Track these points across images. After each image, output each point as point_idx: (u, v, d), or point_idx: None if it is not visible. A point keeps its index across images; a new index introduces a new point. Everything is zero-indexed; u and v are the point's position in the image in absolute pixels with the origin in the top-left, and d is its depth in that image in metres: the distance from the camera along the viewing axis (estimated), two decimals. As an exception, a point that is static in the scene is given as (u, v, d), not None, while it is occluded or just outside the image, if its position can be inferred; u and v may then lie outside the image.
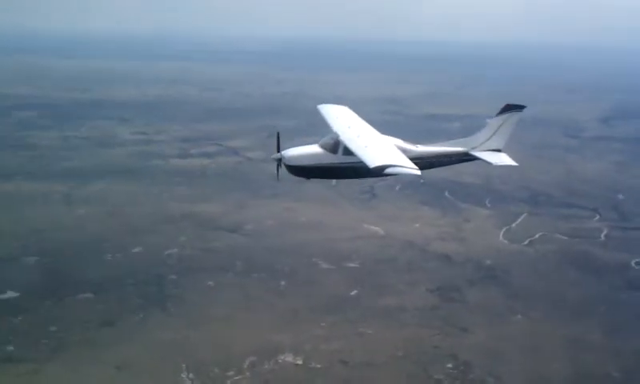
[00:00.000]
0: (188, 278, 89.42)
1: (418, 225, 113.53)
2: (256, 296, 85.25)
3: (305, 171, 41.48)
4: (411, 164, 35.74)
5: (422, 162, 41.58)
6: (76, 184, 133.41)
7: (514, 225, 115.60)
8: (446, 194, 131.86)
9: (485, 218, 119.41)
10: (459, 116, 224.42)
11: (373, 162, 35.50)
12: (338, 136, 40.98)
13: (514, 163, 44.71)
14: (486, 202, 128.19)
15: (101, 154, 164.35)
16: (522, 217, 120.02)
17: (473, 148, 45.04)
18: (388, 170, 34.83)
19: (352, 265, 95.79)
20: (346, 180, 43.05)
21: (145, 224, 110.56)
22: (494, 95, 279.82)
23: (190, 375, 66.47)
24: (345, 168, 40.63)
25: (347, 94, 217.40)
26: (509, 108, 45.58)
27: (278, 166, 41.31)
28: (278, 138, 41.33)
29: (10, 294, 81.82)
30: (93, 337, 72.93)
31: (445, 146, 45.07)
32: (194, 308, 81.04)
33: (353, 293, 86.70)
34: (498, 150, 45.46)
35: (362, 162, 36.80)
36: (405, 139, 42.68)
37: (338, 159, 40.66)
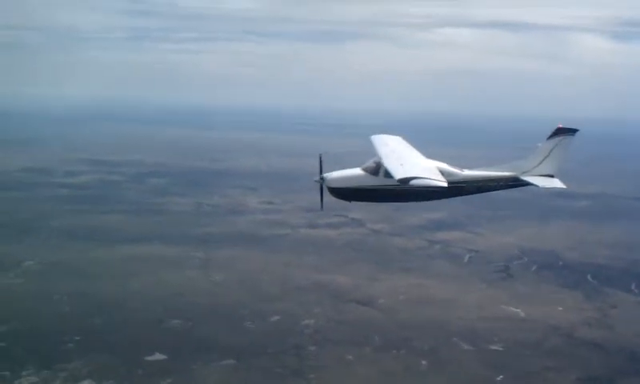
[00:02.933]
0: (326, 350, 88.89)
1: (561, 308, 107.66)
2: (397, 373, 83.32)
3: (346, 193, 41.32)
4: (439, 176, 35.41)
5: (469, 185, 41.53)
6: (210, 249, 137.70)
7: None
8: (589, 277, 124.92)
9: (633, 305, 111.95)
10: (586, 194, 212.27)
11: (399, 174, 35.66)
12: (380, 159, 40.46)
13: (563, 186, 42.25)
14: (632, 287, 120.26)
15: (232, 221, 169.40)
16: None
17: (523, 173, 42.64)
18: (414, 182, 34.91)
19: (494, 347, 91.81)
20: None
21: (277, 292, 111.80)
22: (623, 173, 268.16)
23: None
24: (386, 190, 40.30)
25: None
26: (560, 131, 42.74)
27: (322, 190, 41.04)
28: (321, 160, 41.24)
29: (158, 356, 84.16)
30: (238, 404, 73.48)
31: (493, 170, 43.15)
32: (335, 382, 79.99)
33: (499, 378, 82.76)
34: (551, 176, 42.74)
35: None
36: (451, 164, 41.75)
37: (379, 181, 40.41)
